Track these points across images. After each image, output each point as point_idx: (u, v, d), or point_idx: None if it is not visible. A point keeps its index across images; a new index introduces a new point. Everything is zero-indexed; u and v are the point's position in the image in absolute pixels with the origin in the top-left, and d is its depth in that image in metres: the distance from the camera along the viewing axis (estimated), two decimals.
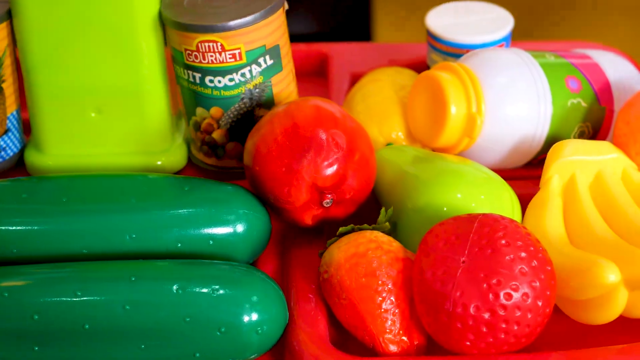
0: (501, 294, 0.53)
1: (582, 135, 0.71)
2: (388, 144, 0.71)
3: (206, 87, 0.67)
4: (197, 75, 0.67)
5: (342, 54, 0.86)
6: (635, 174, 0.65)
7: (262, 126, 0.63)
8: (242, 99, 0.68)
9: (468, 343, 0.54)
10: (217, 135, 0.69)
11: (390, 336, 0.56)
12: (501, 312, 0.53)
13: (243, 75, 0.67)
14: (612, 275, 0.55)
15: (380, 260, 0.57)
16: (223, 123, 0.69)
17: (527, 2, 1.55)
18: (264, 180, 0.62)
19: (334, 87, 0.82)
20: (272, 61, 0.67)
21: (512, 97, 0.68)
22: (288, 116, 0.62)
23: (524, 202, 0.64)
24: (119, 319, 0.55)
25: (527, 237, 0.55)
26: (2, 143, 0.71)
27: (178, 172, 0.72)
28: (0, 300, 0.56)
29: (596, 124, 0.72)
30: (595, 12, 1.56)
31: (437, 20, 0.77)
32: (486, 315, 0.53)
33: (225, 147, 0.70)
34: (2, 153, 0.71)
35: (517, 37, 0.88)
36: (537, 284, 0.54)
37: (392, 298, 0.56)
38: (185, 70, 0.68)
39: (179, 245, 0.60)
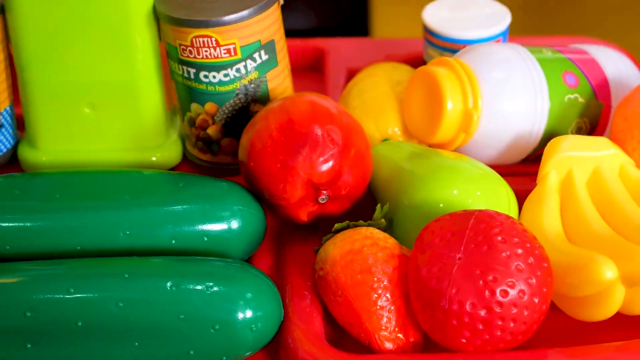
0: (497, 291, 0.53)
1: (579, 131, 0.71)
2: (384, 140, 0.71)
3: (201, 82, 0.67)
4: (192, 71, 0.67)
5: (338, 49, 0.86)
6: (632, 170, 0.65)
7: (257, 122, 0.63)
8: (237, 94, 0.67)
9: (464, 340, 0.54)
10: (212, 131, 0.69)
11: (385, 333, 0.56)
12: (497, 309, 0.53)
13: (238, 70, 0.66)
14: (609, 271, 0.55)
15: (375, 257, 0.57)
16: (218, 119, 0.68)
17: None
18: (259, 177, 0.61)
19: (330, 83, 0.82)
20: (267, 56, 0.67)
21: (509, 92, 0.68)
22: (283, 112, 0.62)
23: (521, 198, 0.64)
24: (112, 316, 0.55)
25: (524, 233, 0.55)
26: None
27: (173, 168, 0.72)
28: None
29: (593, 119, 0.71)
30: (594, 7, 1.56)
31: (434, 15, 0.77)
32: (482, 313, 0.53)
33: (220, 143, 0.70)
34: None
35: (515, 33, 0.88)
36: (534, 280, 0.53)
37: (387, 295, 0.56)
38: (180, 66, 0.67)
39: (173, 241, 0.60)
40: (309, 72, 0.86)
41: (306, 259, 0.62)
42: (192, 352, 0.55)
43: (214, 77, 0.66)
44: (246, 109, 0.68)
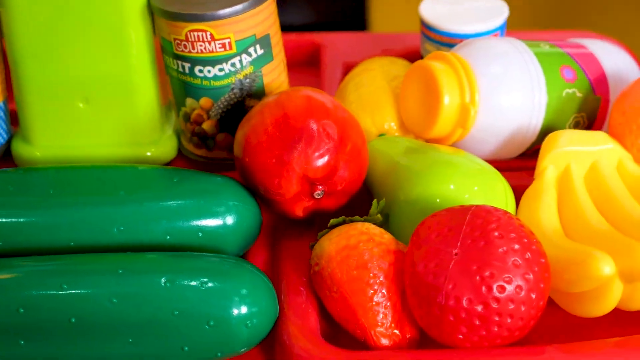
0: (494, 287, 0.52)
1: (577, 125, 0.71)
2: (380, 135, 0.71)
3: (196, 77, 0.66)
4: (187, 65, 0.66)
5: (334, 43, 0.86)
6: (630, 165, 0.64)
7: (252, 117, 0.62)
8: (232, 89, 0.67)
9: (461, 336, 0.53)
10: (207, 126, 0.69)
11: (381, 329, 0.56)
12: (494, 305, 0.52)
13: (233, 65, 0.66)
14: (606, 267, 0.54)
15: (371, 252, 0.56)
16: (213, 114, 0.68)
17: None
18: (254, 172, 0.61)
19: (327, 77, 0.81)
20: (262, 51, 0.66)
21: (506, 86, 0.67)
22: (278, 106, 0.61)
23: (518, 193, 0.64)
24: (106, 312, 0.55)
25: (521, 228, 0.54)
26: None
27: (168, 164, 0.71)
28: None
29: (591, 114, 0.71)
30: (593, 2, 1.56)
31: (431, 10, 0.76)
32: (479, 308, 0.52)
33: (215, 138, 0.69)
34: None
35: (514, 27, 0.88)
36: (531, 276, 0.53)
37: (383, 291, 0.56)
38: (175, 60, 0.67)
39: (168, 237, 0.60)
40: (306, 66, 0.86)
41: (302, 254, 0.62)
42: (186, 349, 0.55)
43: (209, 71, 0.66)
44: (241, 103, 0.68)
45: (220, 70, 0.66)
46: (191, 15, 0.64)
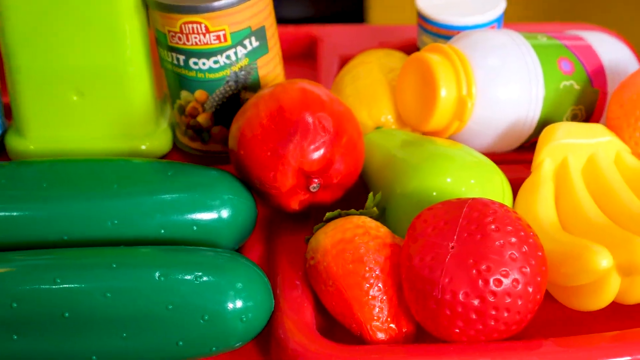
0: (491, 280, 0.52)
1: (574, 118, 0.70)
2: (377, 128, 0.70)
3: (190, 69, 0.66)
4: (181, 58, 0.66)
5: (331, 36, 0.85)
6: (628, 157, 0.64)
7: (247, 109, 0.62)
8: (227, 81, 0.66)
9: (457, 330, 0.53)
10: (202, 119, 0.68)
11: (378, 324, 0.55)
12: (491, 299, 0.52)
13: (228, 57, 0.65)
14: (604, 260, 0.54)
15: (367, 246, 0.56)
16: (208, 106, 0.67)
17: None
18: (249, 165, 0.61)
19: (323, 70, 0.81)
20: (257, 43, 0.66)
21: (503, 79, 0.67)
22: (274, 99, 0.61)
23: (516, 186, 0.63)
24: (99, 306, 0.54)
25: (518, 221, 0.54)
26: None
27: (163, 157, 0.71)
28: None
29: (589, 106, 0.71)
30: None
31: (428, 2, 0.76)
32: (475, 302, 0.52)
33: (210, 131, 0.69)
34: None
35: (512, 19, 0.87)
36: (528, 269, 0.53)
37: (379, 285, 0.55)
38: (169, 53, 0.66)
39: (162, 231, 0.59)
40: (302, 59, 0.86)
41: (297, 248, 0.61)
42: (180, 343, 0.55)
43: (204, 64, 0.65)
44: (237, 96, 0.67)
45: (215, 62, 0.65)
46: (185, 7, 0.63)
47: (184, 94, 0.68)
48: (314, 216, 0.64)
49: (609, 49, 0.72)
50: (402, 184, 0.61)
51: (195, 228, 0.59)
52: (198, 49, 0.65)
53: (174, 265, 0.55)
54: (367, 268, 0.56)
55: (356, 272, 0.56)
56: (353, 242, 0.56)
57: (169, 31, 0.65)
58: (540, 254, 0.54)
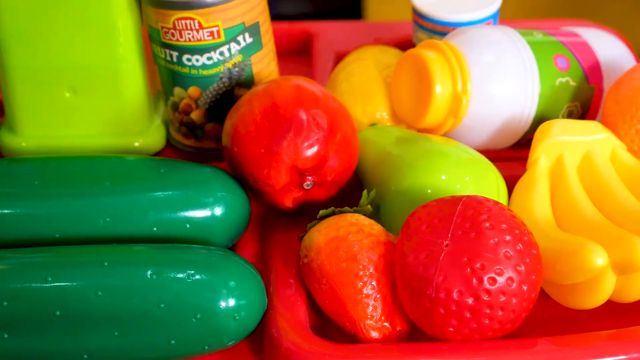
0: (485, 279, 0.52)
1: (570, 115, 0.70)
2: (372, 125, 0.70)
3: (184, 66, 0.66)
4: (174, 54, 0.65)
5: (327, 32, 0.85)
6: (624, 155, 0.64)
7: (241, 106, 0.62)
8: (221, 78, 0.66)
9: (451, 329, 0.53)
10: (195, 115, 0.68)
11: (371, 322, 0.55)
12: (485, 297, 0.52)
13: (222, 53, 0.65)
14: (599, 258, 0.54)
15: (361, 244, 0.56)
16: (202, 103, 0.67)
17: None
18: (242, 162, 0.60)
19: (318, 67, 0.80)
20: (251, 39, 0.66)
21: (498, 75, 0.66)
22: (267, 96, 0.61)
23: (511, 183, 0.63)
24: (91, 305, 0.54)
25: (512, 219, 0.53)
26: None
27: (156, 154, 0.71)
28: None
29: (585, 103, 0.70)
30: None
31: None
32: (470, 301, 0.52)
33: (204, 127, 0.68)
34: None
35: (508, 16, 0.87)
36: (522, 268, 0.52)
37: (373, 283, 0.55)
38: (162, 49, 0.66)
39: (155, 229, 0.59)
40: (297, 56, 0.85)
41: (291, 246, 0.61)
42: (173, 342, 0.54)
43: (197, 60, 0.65)
44: (230, 93, 0.67)
45: (209, 59, 0.65)
46: (179, 3, 0.63)
47: (177, 90, 0.67)
48: (307, 214, 0.64)
49: (605, 46, 0.72)
50: (397, 181, 0.61)
51: (188, 226, 0.59)
52: (191, 45, 0.64)
53: (166, 263, 0.55)
54: (360, 266, 0.55)
55: (350, 270, 0.55)
56: (347, 240, 0.56)
57: (162, 27, 0.65)
58: (535, 252, 0.53)
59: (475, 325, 0.52)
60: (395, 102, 0.70)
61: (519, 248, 0.52)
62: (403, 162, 0.61)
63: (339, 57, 0.81)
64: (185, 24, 0.64)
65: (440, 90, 0.66)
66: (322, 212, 0.59)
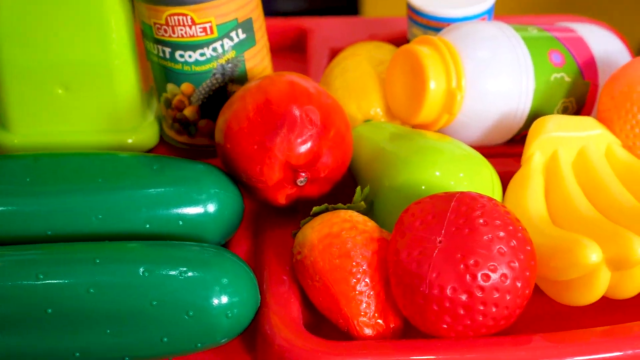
0: (479, 275, 0.51)
1: (565, 110, 0.69)
2: (366, 121, 0.69)
3: (176, 62, 0.65)
4: (167, 50, 0.65)
5: (321, 28, 0.84)
6: (619, 151, 0.63)
7: (234, 102, 0.61)
8: (214, 74, 0.66)
9: (445, 326, 0.52)
10: (188, 112, 0.67)
11: (365, 319, 0.55)
12: (479, 294, 0.51)
13: (214, 49, 0.65)
14: (594, 255, 0.53)
15: (354, 240, 0.55)
16: (194, 99, 0.67)
17: None
18: (235, 159, 0.60)
19: (313, 63, 0.80)
20: (244, 35, 0.65)
21: (493, 71, 0.66)
22: (260, 92, 0.60)
23: (505, 180, 0.63)
24: (83, 302, 0.53)
25: (506, 215, 0.53)
26: None
27: (149, 151, 0.70)
28: None
29: (580, 99, 0.70)
30: None
31: None
32: (463, 297, 0.51)
33: (197, 124, 0.68)
34: None
35: (503, 12, 0.87)
36: (516, 264, 0.52)
37: (366, 280, 0.55)
38: (155, 45, 0.66)
39: (148, 226, 0.59)
40: (291, 52, 0.85)
41: (284, 243, 0.61)
42: (165, 339, 0.54)
43: (190, 56, 0.65)
44: (223, 89, 0.66)
45: (202, 55, 0.65)
46: None
47: (170, 86, 0.67)
48: (301, 210, 0.64)
49: (600, 41, 0.72)
50: (391, 178, 0.60)
51: (181, 222, 0.59)
52: (184, 41, 0.64)
53: (158, 260, 0.55)
54: (354, 263, 0.55)
55: (343, 267, 0.55)
56: (340, 237, 0.56)
57: (155, 23, 0.64)
58: (529, 248, 0.53)
59: (469, 322, 0.52)
60: (389, 98, 0.69)
61: (512, 244, 0.52)
62: (397, 158, 0.61)
63: (334, 53, 0.81)
64: (178, 20, 0.63)
65: (435, 86, 0.65)
66: (315, 208, 0.59)
